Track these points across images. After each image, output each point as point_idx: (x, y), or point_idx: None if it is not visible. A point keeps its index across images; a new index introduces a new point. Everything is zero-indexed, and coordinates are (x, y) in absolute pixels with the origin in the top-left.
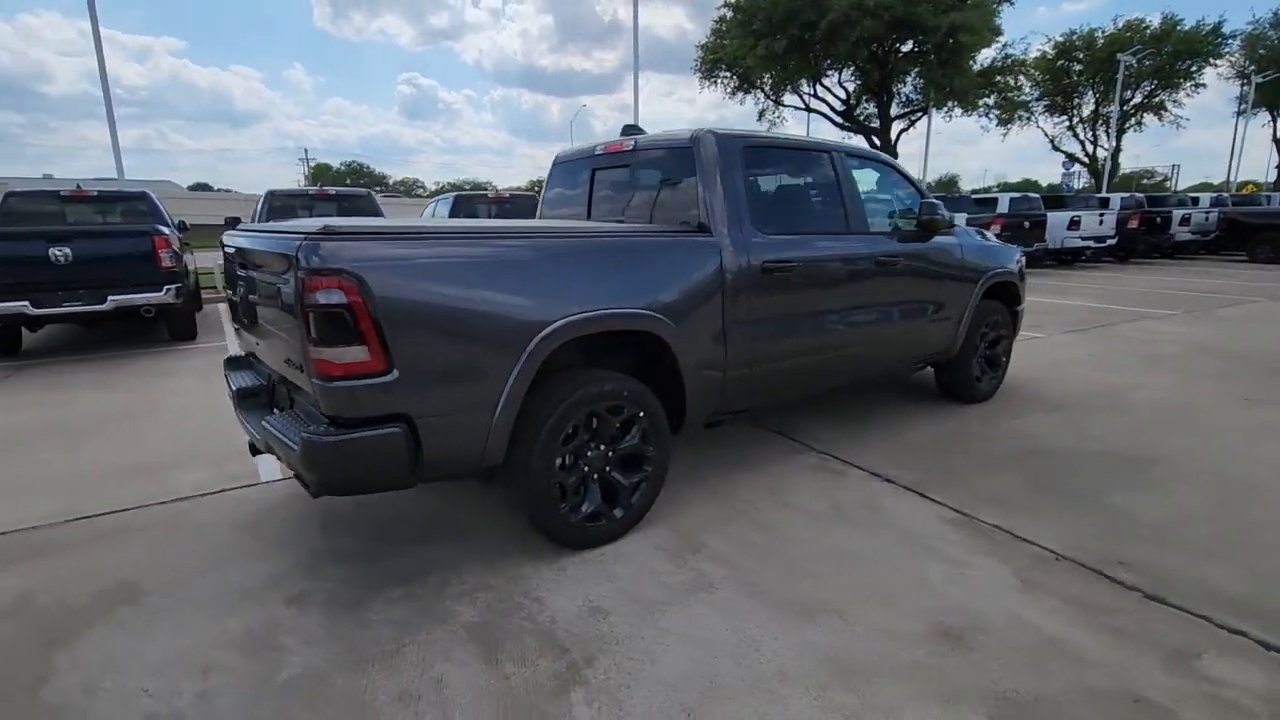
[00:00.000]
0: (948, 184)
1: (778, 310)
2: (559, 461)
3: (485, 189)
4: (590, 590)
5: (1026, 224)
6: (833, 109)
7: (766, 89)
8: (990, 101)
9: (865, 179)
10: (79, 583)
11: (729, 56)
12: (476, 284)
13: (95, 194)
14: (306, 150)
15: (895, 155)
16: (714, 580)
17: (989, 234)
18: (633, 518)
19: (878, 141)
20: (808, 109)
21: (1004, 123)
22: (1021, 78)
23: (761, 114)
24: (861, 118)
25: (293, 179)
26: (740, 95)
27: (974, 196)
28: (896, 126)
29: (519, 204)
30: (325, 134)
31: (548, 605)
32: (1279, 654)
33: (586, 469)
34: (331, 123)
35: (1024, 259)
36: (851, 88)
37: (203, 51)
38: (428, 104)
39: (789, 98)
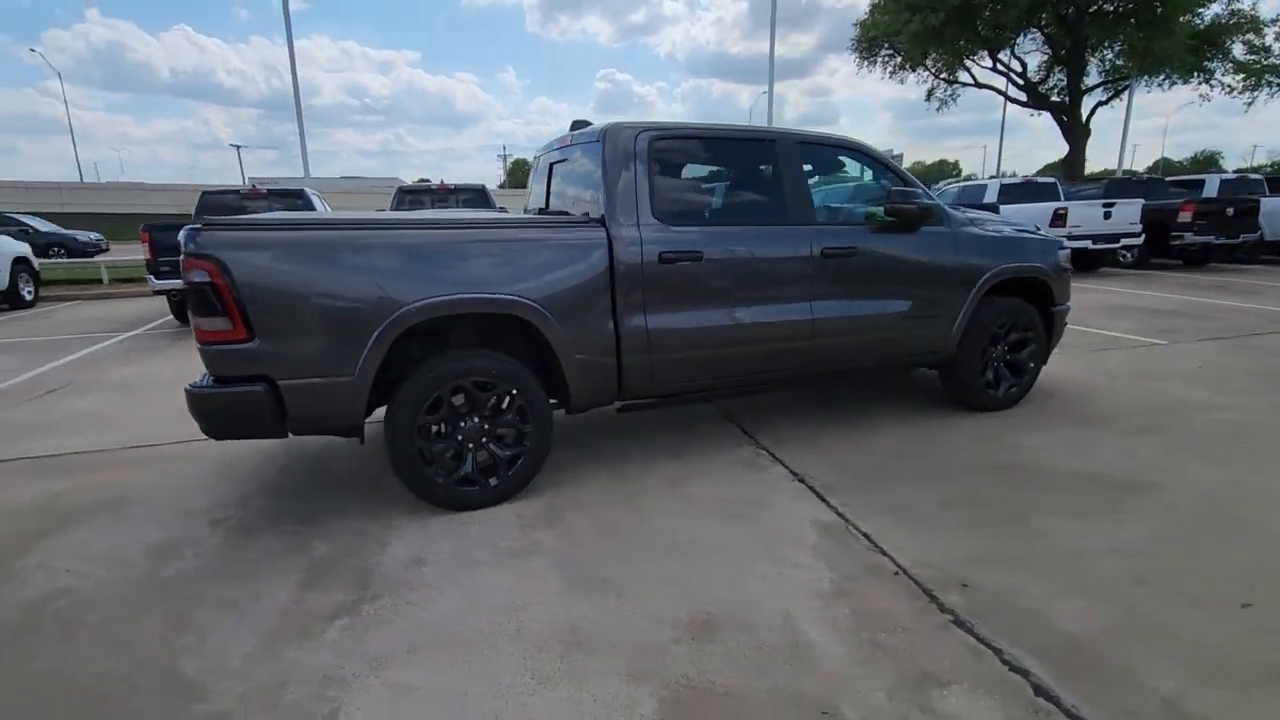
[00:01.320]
0: (1205, 162)
1: (683, 300)
2: (430, 429)
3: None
4: (431, 545)
5: (1230, 211)
6: (1014, 83)
7: (931, 66)
8: (1216, 66)
9: (829, 168)
10: (94, 493)
11: (885, 32)
12: (334, 270)
13: (265, 191)
14: (505, 146)
15: (1087, 133)
16: (541, 551)
17: (1036, 226)
18: (510, 488)
19: (1064, 120)
20: (978, 85)
21: (1251, 89)
22: (1271, 38)
23: (930, 93)
24: (1049, 92)
25: (495, 174)
26: (901, 75)
27: (1176, 179)
28: (1093, 99)
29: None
30: (529, 131)
31: (387, 552)
32: (1046, 701)
33: (461, 439)
34: (535, 120)
35: (1065, 255)
36: (1037, 60)
37: (433, 61)
38: (622, 98)
39: (957, 74)
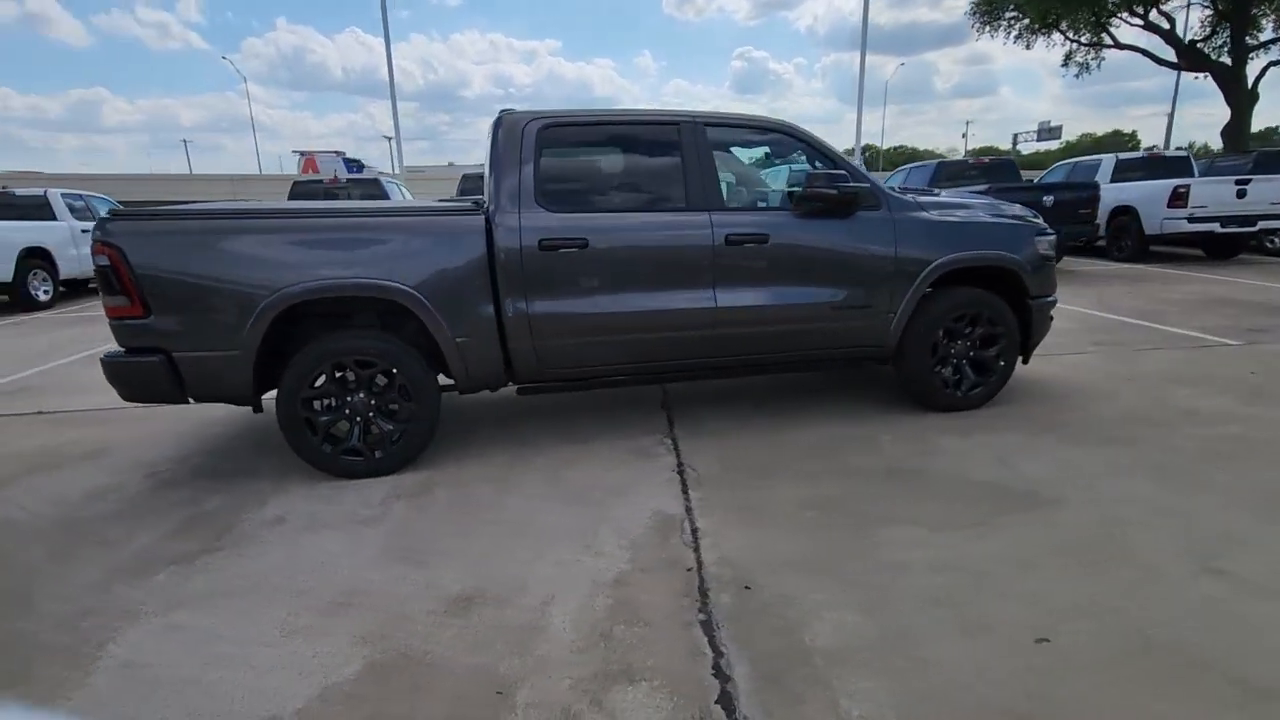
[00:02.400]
0: None
1: (568, 287)
2: (314, 402)
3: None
4: (298, 507)
5: None
6: (1168, 42)
7: (1066, 30)
8: None
9: (748, 151)
10: (86, 444)
11: None
12: (219, 256)
13: (345, 180)
14: None
15: (1254, 98)
16: (386, 520)
17: (1014, 208)
18: (395, 461)
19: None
20: (1119, 46)
21: None
22: None
23: (1068, 58)
24: (1214, 52)
25: None
26: (1029, 39)
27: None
28: (1265, 59)
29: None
30: None
31: (260, 511)
32: (721, 709)
33: (349, 412)
34: (670, 102)
35: (1048, 242)
36: (1198, 16)
37: (573, 49)
38: (758, 76)
39: (1099, 35)
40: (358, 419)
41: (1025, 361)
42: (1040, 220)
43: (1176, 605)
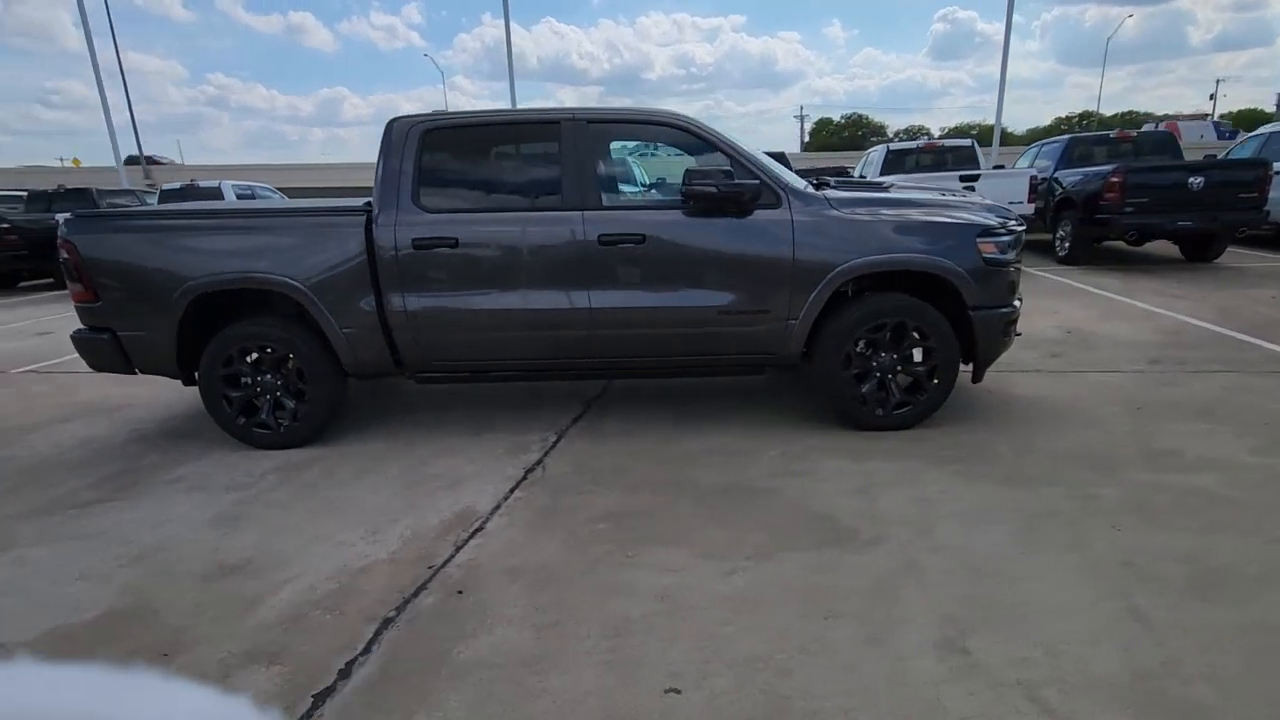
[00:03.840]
0: None
1: (441, 283)
2: (225, 379)
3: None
4: (203, 471)
5: None
6: None
7: None
8: None
9: (641, 150)
10: (112, 402)
11: None
12: (144, 251)
13: None
14: (803, 108)
15: None
16: (247, 488)
17: (972, 206)
18: (297, 437)
19: None
20: None
21: None
22: None
23: None
24: None
25: (795, 136)
26: None
27: None
28: None
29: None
30: (850, 86)
31: (173, 471)
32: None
33: (261, 390)
34: (859, 74)
35: (1000, 245)
36: None
37: (757, 23)
38: (961, 40)
39: None
40: (267, 397)
41: (975, 380)
42: (996, 221)
43: (860, 678)
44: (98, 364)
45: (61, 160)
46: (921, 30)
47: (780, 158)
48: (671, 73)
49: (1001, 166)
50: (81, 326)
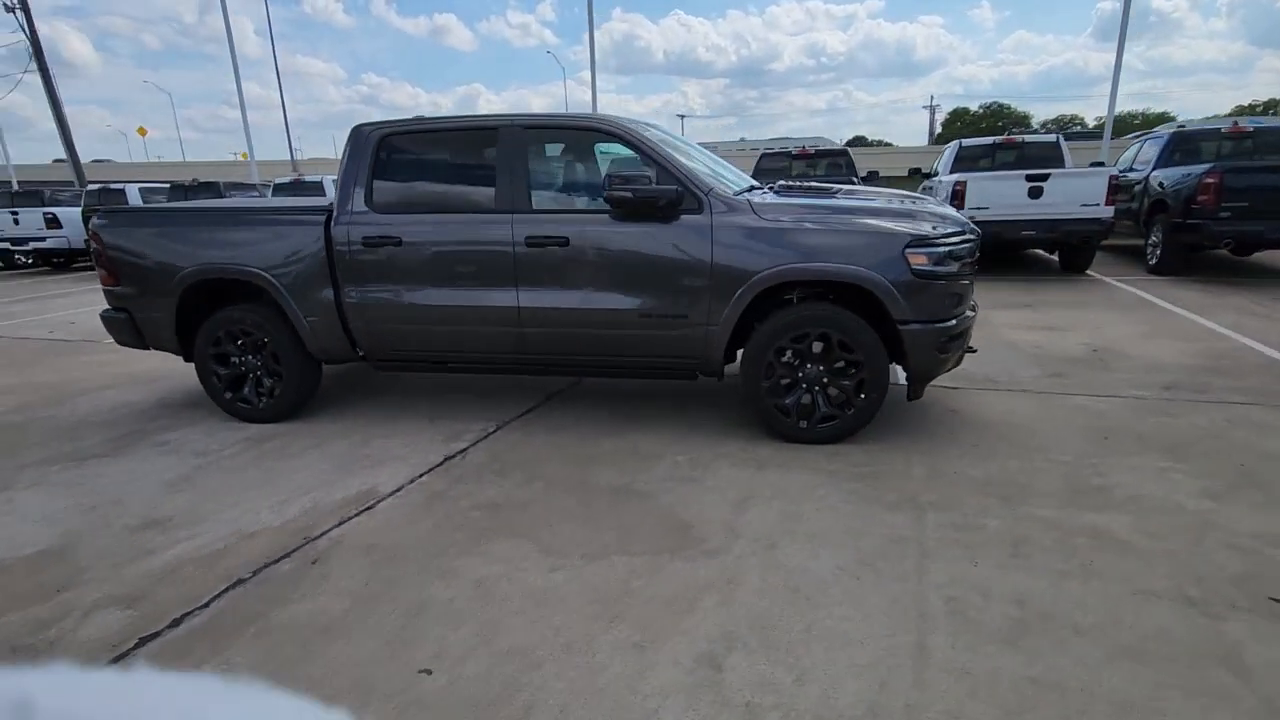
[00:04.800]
0: None
1: (386, 279)
2: (216, 359)
3: None
4: (189, 438)
5: None
6: None
7: None
8: None
9: (576, 154)
10: (155, 373)
11: None
12: (149, 243)
13: None
14: (933, 97)
15: None
16: (215, 455)
17: (913, 215)
18: (273, 413)
19: None
20: None
21: None
22: None
23: None
24: None
25: (924, 128)
26: None
27: None
28: None
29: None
30: (996, 73)
31: (165, 435)
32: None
33: (244, 369)
34: (1007, 60)
35: (930, 256)
36: None
37: (896, 8)
38: (1133, 17)
39: None
40: (250, 375)
41: (911, 397)
42: (934, 231)
43: (599, 680)
44: (119, 339)
45: (234, 155)
46: (1084, 10)
47: (873, 176)
48: (800, 63)
49: (1101, 163)
50: (108, 307)
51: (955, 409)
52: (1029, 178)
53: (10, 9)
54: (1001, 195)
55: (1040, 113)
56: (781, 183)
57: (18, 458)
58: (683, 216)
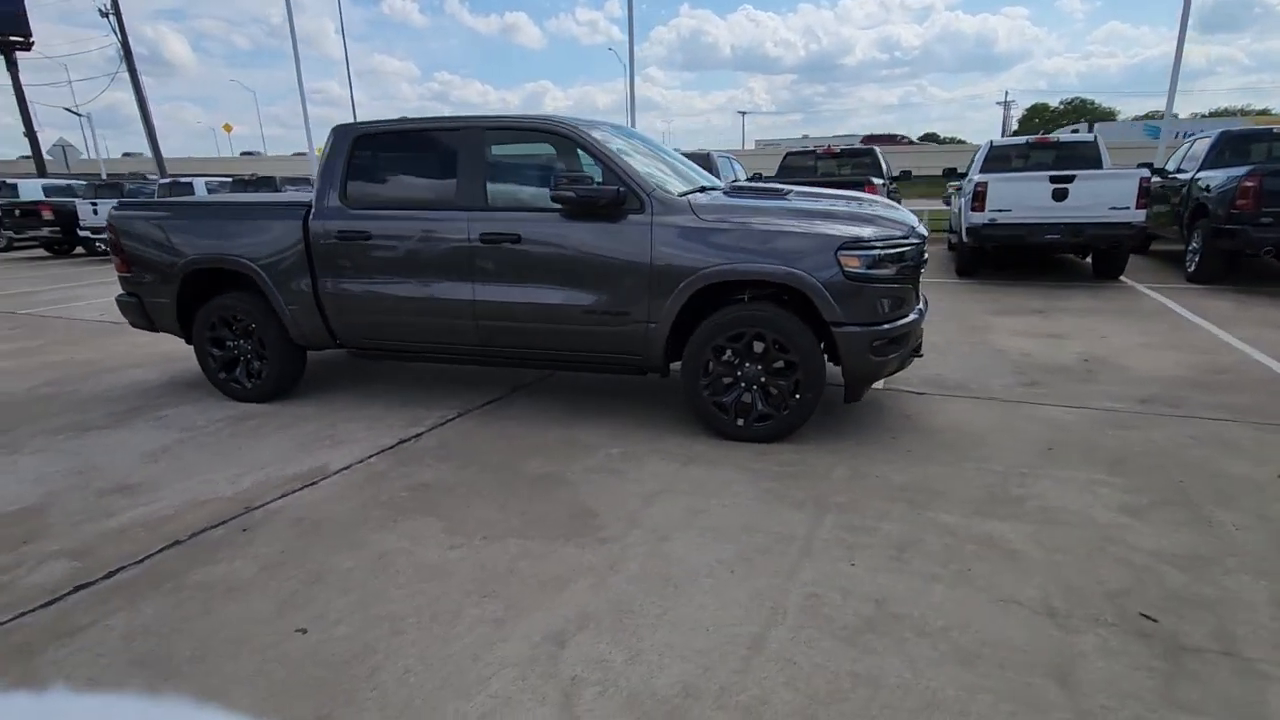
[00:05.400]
0: None
1: (357, 271)
2: (225, 343)
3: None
4: (184, 413)
5: None
6: None
7: None
8: None
9: (530, 152)
10: (179, 354)
11: None
12: (155, 234)
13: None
14: (1007, 93)
15: None
16: (195, 430)
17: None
18: (260, 394)
19: None
20: None
21: None
22: None
23: None
24: None
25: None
26: None
27: None
28: None
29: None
30: (1084, 67)
31: (162, 410)
32: None
33: (236, 352)
34: (1097, 53)
35: (865, 259)
36: None
37: (978, 0)
38: (1237, 8)
39: None
40: (241, 359)
41: (848, 400)
42: (869, 234)
43: (448, 648)
44: (131, 321)
45: (316, 151)
46: None
47: (905, 175)
48: (872, 57)
49: (1151, 165)
50: (122, 291)
51: (911, 414)
52: (1053, 179)
53: (105, 14)
54: (1024, 197)
55: (1131, 108)
56: (735, 183)
57: (36, 425)
58: (629, 216)
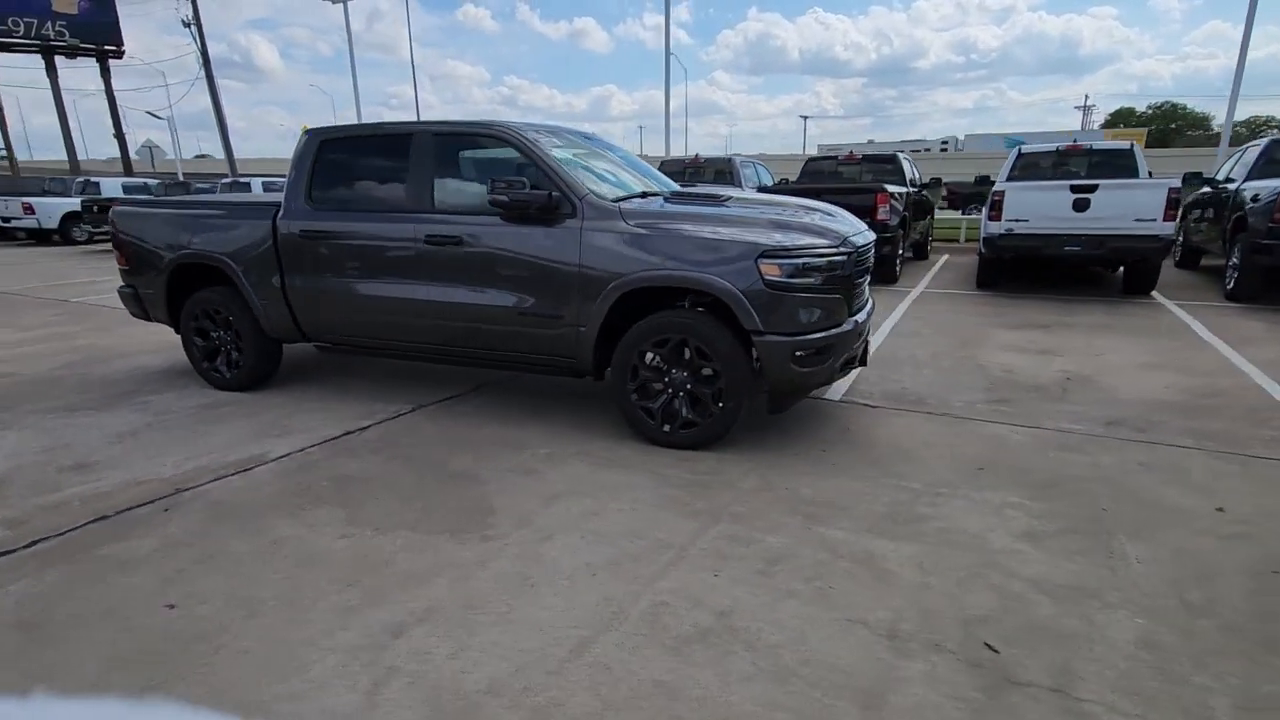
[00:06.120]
0: None
1: (319, 269)
2: (209, 334)
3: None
4: (164, 398)
5: None
6: None
7: None
8: None
9: (476, 158)
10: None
11: None
12: (147, 230)
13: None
14: (1087, 96)
15: None
16: (167, 414)
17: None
18: (238, 384)
19: None
20: None
21: None
22: None
23: None
24: None
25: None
26: None
27: None
28: None
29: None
30: (1180, 69)
31: (146, 397)
32: None
33: (217, 343)
34: (1195, 54)
35: (787, 267)
36: None
37: (1062, 1)
38: None
39: None
40: (224, 349)
41: (771, 410)
42: (795, 242)
43: (288, 632)
44: (130, 311)
45: None
46: None
47: (935, 183)
48: (946, 60)
49: (1201, 174)
50: (122, 283)
51: (853, 427)
52: (1074, 188)
53: (187, 24)
54: (1042, 207)
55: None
56: (676, 190)
57: (37, 404)
58: (564, 221)
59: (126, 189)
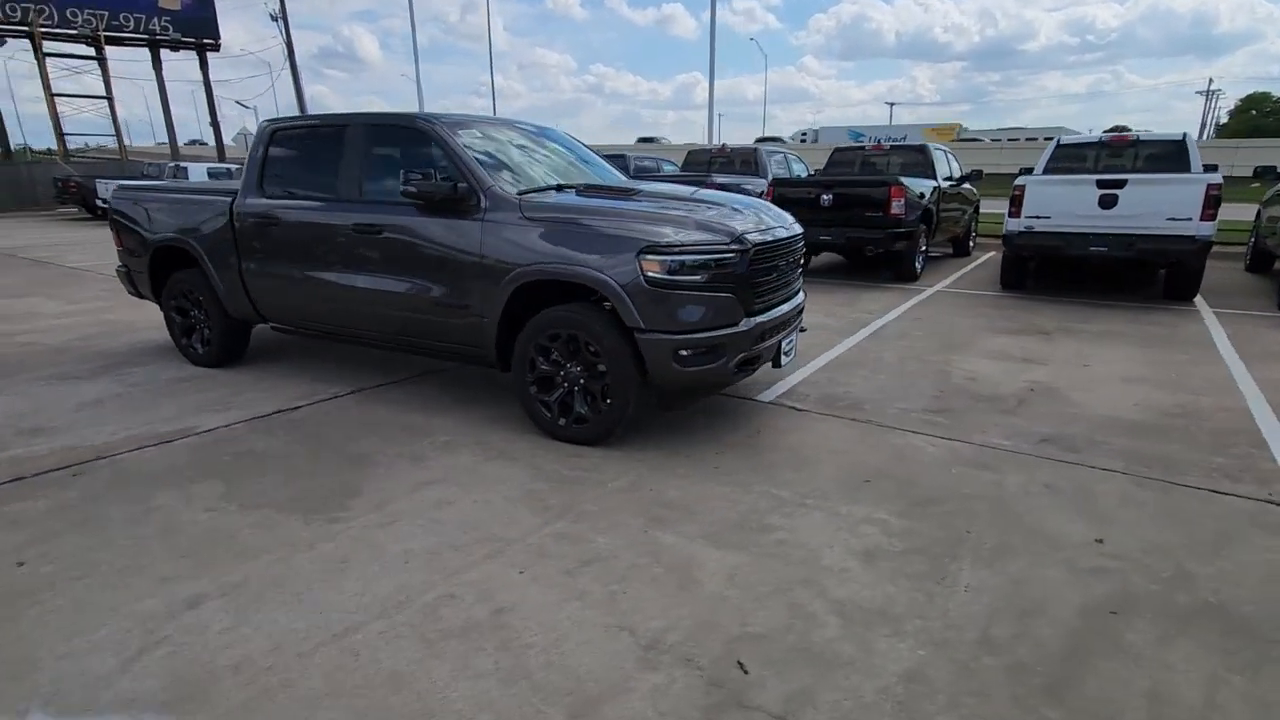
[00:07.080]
0: None
1: (268, 254)
2: (187, 312)
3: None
4: (146, 370)
5: None
6: None
7: None
8: None
9: (400, 150)
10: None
11: None
12: (136, 214)
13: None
14: (1211, 80)
15: None
16: (140, 384)
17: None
18: (210, 360)
19: None
20: None
21: None
22: None
23: None
24: None
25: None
26: None
27: None
28: None
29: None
30: None
31: (129, 369)
32: None
33: (193, 321)
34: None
35: (666, 264)
36: None
37: None
38: None
39: None
40: (198, 327)
41: (661, 408)
42: (680, 239)
43: (118, 597)
44: (127, 289)
45: None
46: None
47: (976, 175)
48: (1059, 41)
49: (1273, 167)
50: (119, 263)
51: (764, 429)
52: (1100, 184)
53: (274, 19)
54: (1065, 203)
55: None
56: (590, 184)
57: (35, 372)
58: (476, 213)
59: (211, 174)
